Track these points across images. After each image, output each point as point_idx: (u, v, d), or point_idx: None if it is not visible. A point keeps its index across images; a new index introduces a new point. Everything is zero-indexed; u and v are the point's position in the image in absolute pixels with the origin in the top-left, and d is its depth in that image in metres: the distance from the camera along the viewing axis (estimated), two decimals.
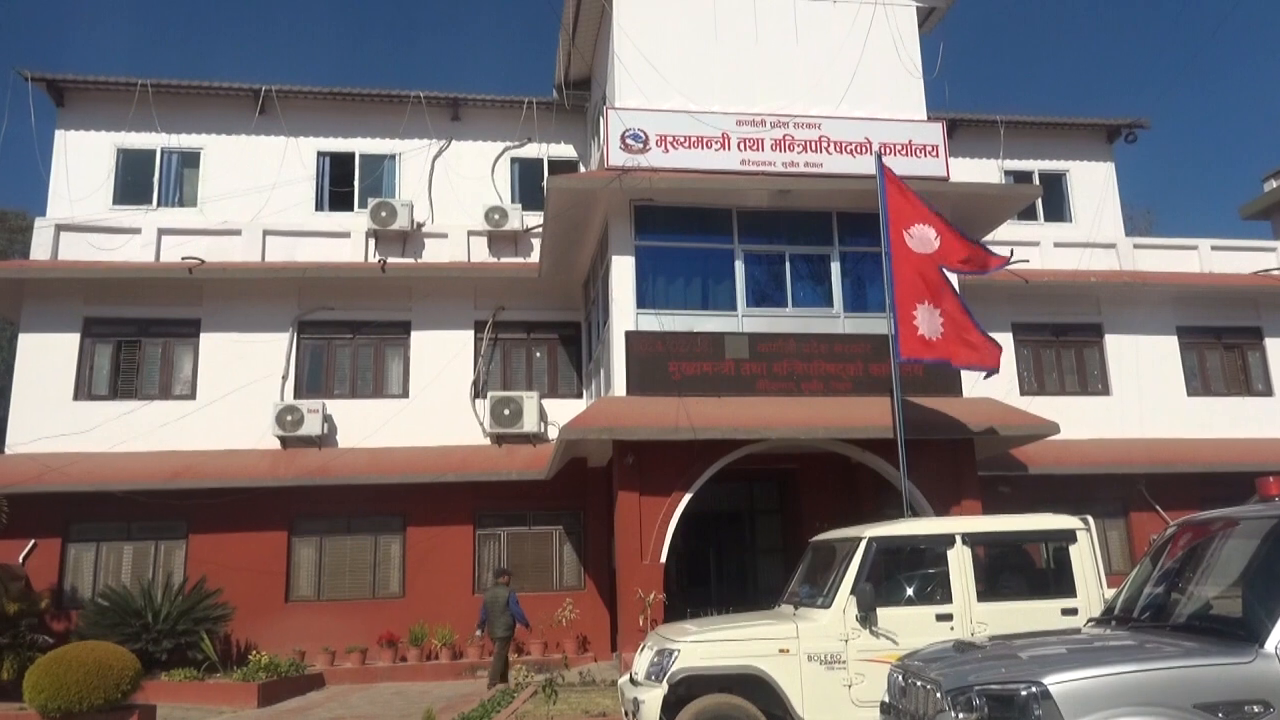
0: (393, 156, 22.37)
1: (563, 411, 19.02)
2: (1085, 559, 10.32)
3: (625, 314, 16.52)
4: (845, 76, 18.32)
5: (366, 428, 19.87)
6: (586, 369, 20.55)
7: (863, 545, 9.94)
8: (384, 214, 20.95)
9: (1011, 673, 6.01)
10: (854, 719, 9.43)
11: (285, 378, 20.12)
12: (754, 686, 9.53)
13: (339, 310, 20.60)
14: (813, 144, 17.62)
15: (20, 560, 18.37)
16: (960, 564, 10.09)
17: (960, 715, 5.99)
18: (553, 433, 19.55)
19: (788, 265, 17.40)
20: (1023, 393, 21.16)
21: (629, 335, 16.37)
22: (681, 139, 17.18)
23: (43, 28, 69.40)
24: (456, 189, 22.20)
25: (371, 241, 21.28)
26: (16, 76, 20.78)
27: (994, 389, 18.92)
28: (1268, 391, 22.64)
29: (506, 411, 19.77)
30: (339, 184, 22.21)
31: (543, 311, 21.18)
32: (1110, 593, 8.85)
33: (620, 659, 14.75)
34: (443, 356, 20.58)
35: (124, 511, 18.59)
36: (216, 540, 18.85)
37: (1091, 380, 22.07)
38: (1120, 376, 21.91)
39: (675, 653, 9.61)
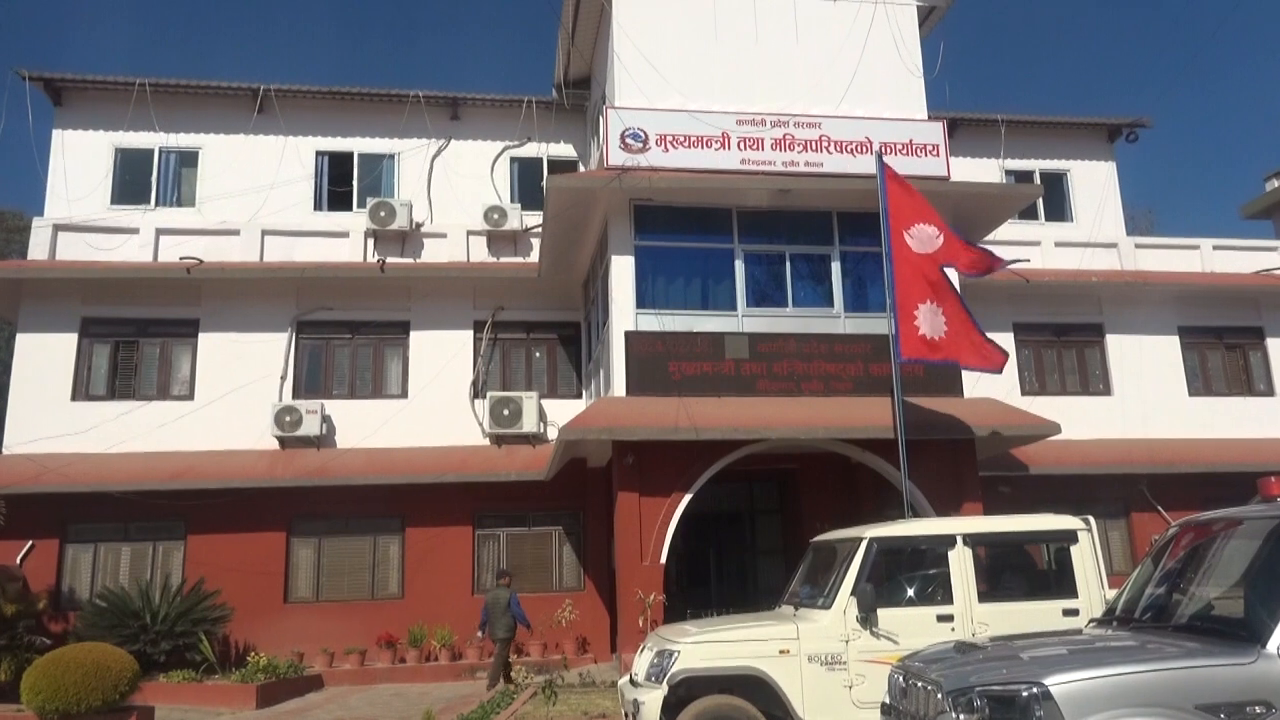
0: (392, 156, 22.32)
1: (562, 412, 18.97)
2: (1086, 559, 10.29)
3: (625, 314, 16.47)
4: (845, 76, 18.28)
5: (365, 428, 19.82)
6: (586, 369, 20.51)
7: (863, 546, 9.91)
8: (383, 214, 20.90)
9: (1013, 674, 5.99)
10: None
11: (284, 378, 20.07)
12: (754, 688, 9.50)
13: (338, 310, 20.54)
14: (813, 143, 17.57)
15: (18, 561, 18.33)
16: (961, 565, 10.06)
17: (961, 716, 5.97)
18: (552, 433, 19.49)
19: (788, 265, 17.35)
20: (1024, 393, 21.12)
21: (629, 335, 16.33)
22: (681, 138, 17.13)
23: (41, 27, 69.44)
24: (456, 188, 22.15)
25: (370, 241, 21.23)
26: (14, 76, 20.77)
27: (995, 389, 18.91)
28: (1269, 391, 22.58)
29: (506, 412, 19.72)
30: (338, 183, 22.16)
31: (542, 311, 21.13)
32: (1111, 593, 8.84)
33: (620, 660, 14.71)
34: (442, 357, 20.53)
35: (122, 512, 18.55)
36: (215, 541, 18.80)
37: (1093, 380, 22.02)
38: (1121, 376, 21.86)
39: (675, 654, 9.58)
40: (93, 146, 21.32)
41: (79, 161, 21.13)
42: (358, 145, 22.28)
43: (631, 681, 10.22)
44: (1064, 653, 6.46)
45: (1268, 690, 5.56)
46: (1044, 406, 19.17)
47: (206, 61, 72.16)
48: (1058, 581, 10.45)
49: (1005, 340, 20.84)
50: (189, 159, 21.76)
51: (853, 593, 9.65)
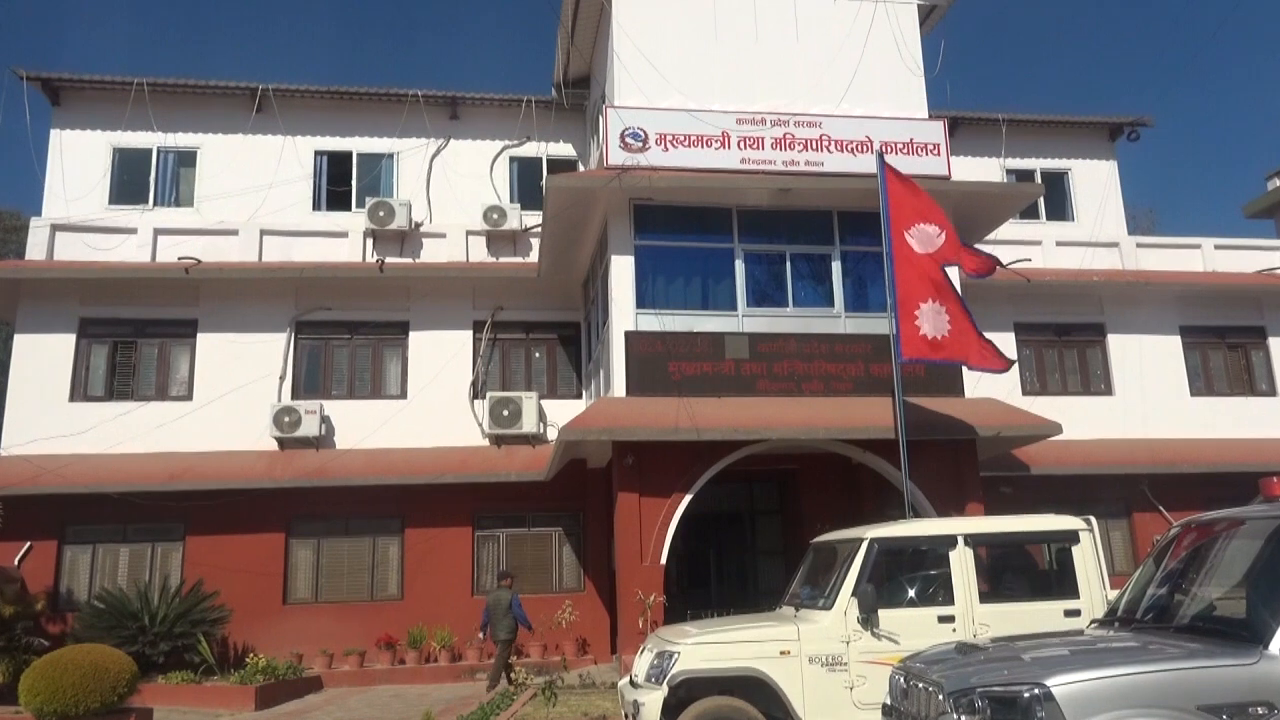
0: (390, 156, 22.28)
1: (562, 412, 18.92)
2: (1088, 560, 10.28)
3: (625, 314, 16.43)
4: (846, 75, 18.25)
5: (364, 429, 19.77)
6: (586, 369, 20.46)
7: (864, 546, 9.89)
8: (382, 213, 20.85)
9: (1014, 674, 5.99)
10: None
11: (282, 378, 20.02)
12: (755, 689, 9.48)
13: (337, 310, 20.49)
14: (813, 143, 17.53)
15: (16, 562, 18.29)
16: (962, 565, 10.03)
17: (962, 717, 5.96)
18: (552, 433, 19.44)
19: (788, 265, 17.31)
20: (1025, 393, 21.07)
21: (628, 335, 16.28)
22: (681, 138, 17.10)
23: (39, 27, 69.44)
24: (455, 188, 22.11)
25: (369, 241, 21.19)
26: (12, 75, 20.75)
27: (996, 389, 18.88)
28: (1271, 391, 22.53)
29: (505, 412, 19.67)
30: (336, 183, 22.12)
31: (542, 311, 21.08)
32: (1113, 594, 8.81)
33: (620, 661, 14.67)
34: (441, 357, 20.48)
35: (120, 513, 18.48)
36: (213, 542, 18.76)
37: (1094, 380, 21.97)
38: (1123, 376, 21.81)
39: (675, 655, 9.56)
40: (91, 146, 21.27)
41: (77, 161, 21.10)
42: (357, 145, 22.23)
43: (631, 683, 10.20)
44: (1066, 653, 6.45)
45: (1270, 691, 5.55)
46: (1045, 406, 19.15)
47: (205, 61, 72.26)
48: (1059, 582, 10.42)
49: (1006, 340, 20.89)
50: (187, 159, 21.72)
51: (853, 593, 9.62)
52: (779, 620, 10.24)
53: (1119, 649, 6.43)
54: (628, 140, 16.86)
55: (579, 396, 20.62)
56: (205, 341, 20.06)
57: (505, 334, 21.00)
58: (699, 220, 17.19)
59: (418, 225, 21.44)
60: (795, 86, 18.04)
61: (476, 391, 20.46)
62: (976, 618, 9.82)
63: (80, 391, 19.61)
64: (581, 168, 22.35)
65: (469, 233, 21.48)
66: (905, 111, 18.21)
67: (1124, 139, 24.53)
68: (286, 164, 21.69)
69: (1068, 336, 22.14)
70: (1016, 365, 21.08)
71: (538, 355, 21.12)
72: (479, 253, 21.43)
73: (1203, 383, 22.37)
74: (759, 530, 21.17)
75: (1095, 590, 10.10)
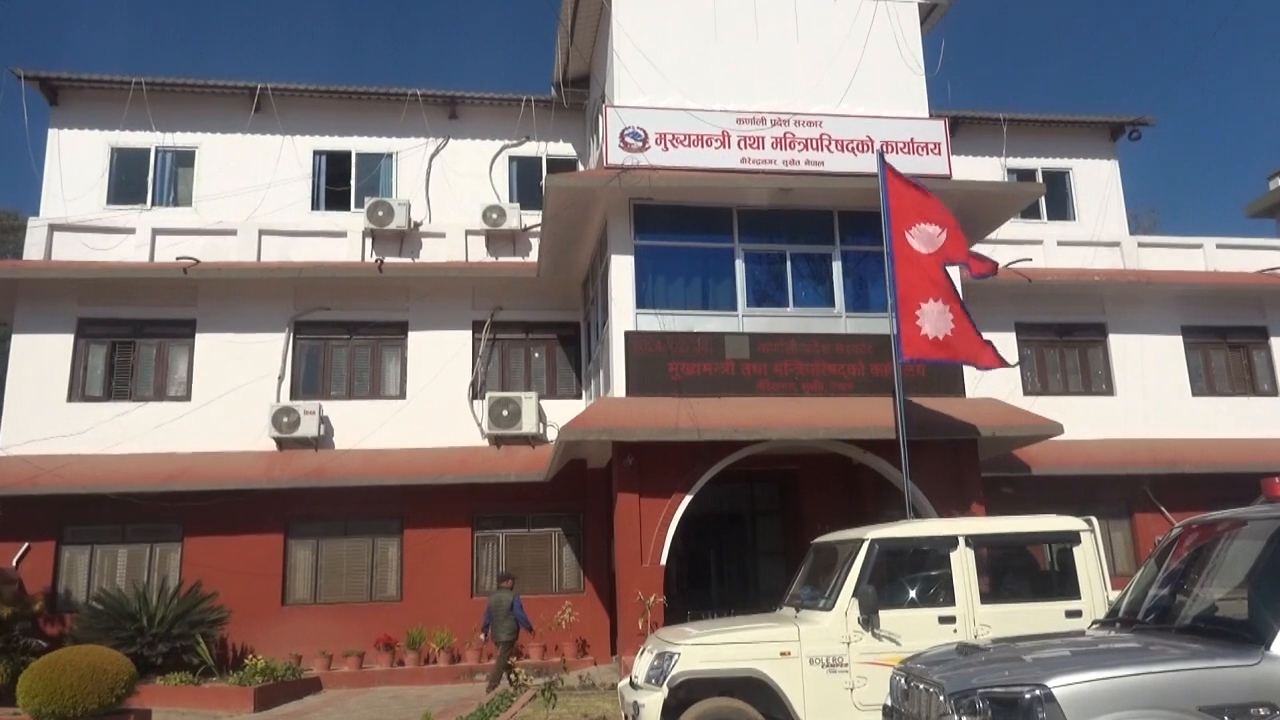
0: (390, 155, 22.24)
1: (562, 412, 18.86)
2: (1089, 560, 10.28)
3: (625, 314, 16.39)
4: (846, 74, 18.21)
5: (363, 429, 19.73)
6: (586, 369, 20.42)
7: (865, 547, 9.88)
8: (381, 213, 20.81)
9: (1015, 675, 5.98)
10: None
11: (281, 379, 19.98)
12: (755, 690, 9.47)
13: (336, 310, 20.44)
14: (814, 142, 17.49)
15: (14, 563, 18.25)
16: (963, 566, 10.02)
17: (963, 718, 5.94)
18: (552, 434, 19.39)
19: (789, 265, 17.27)
20: (1026, 393, 21.03)
21: (628, 335, 16.24)
22: (681, 137, 17.05)
23: (37, 26, 69.44)
24: (454, 188, 22.07)
25: (368, 241, 21.15)
26: (10, 75, 20.73)
27: (997, 389, 18.85)
28: (1273, 391, 22.49)
29: (505, 412, 19.62)
30: (335, 183, 22.08)
31: (541, 311, 21.03)
32: (1115, 594, 8.82)
33: (620, 662, 14.64)
34: (440, 357, 20.43)
35: (118, 514, 18.43)
36: (212, 543, 18.71)
37: (1095, 380, 21.92)
38: (1124, 376, 21.77)
39: (676, 656, 9.55)
40: (89, 146, 21.24)
41: (75, 161, 21.06)
42: (355, 144, 22.19)
43: (631, 684, 10.18)
44: (1067, 654, 6.44)
45: (1272, 692, 5.54)
46: (1046, 407, 19.12)
47: (204, 61, 72.32)
48: (1060, 583, 10.41)
49: (1007, 340, 20.87)
50: (185, 158, 21.68)
51: (854, 594, 9.60)
52: (779, 621, 10.22)
53: (1120, 650, 6.42)
54: (627, 140, 16.82)
55: (579, 397, 20.57)
56: (204, 342, 20.01)
57: (505, 334, 20.96)
58: (699, 220, 17.15)
59: (417, 225, 21.41)
60: (795, 86, 18.00)
61: (476, 392, 20.41)
62: (978, 618, 9.80)
63: (78, 392, 19.57)
64: (581, 167, 22.32)
65: (468, 232, 21.44)
66: (906, 111, 18.17)
67: (1125, 138, 24.52)
68: (285, 164, 21.65)
69: (1069, 336, 22.09)
70: (1018, 365, 21.07)
71: (537, 355, 21.08)
72: (478, 252, 21.39)
73: (1204, 383, 22.33)
74: (759, 531, 21.12)
75: (1097, 591, 10.09)
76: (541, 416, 19.95)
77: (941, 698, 6.20)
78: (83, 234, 20.28)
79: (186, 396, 19.76)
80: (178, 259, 19.87)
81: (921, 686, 6.63)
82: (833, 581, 10.05)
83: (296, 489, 18.62)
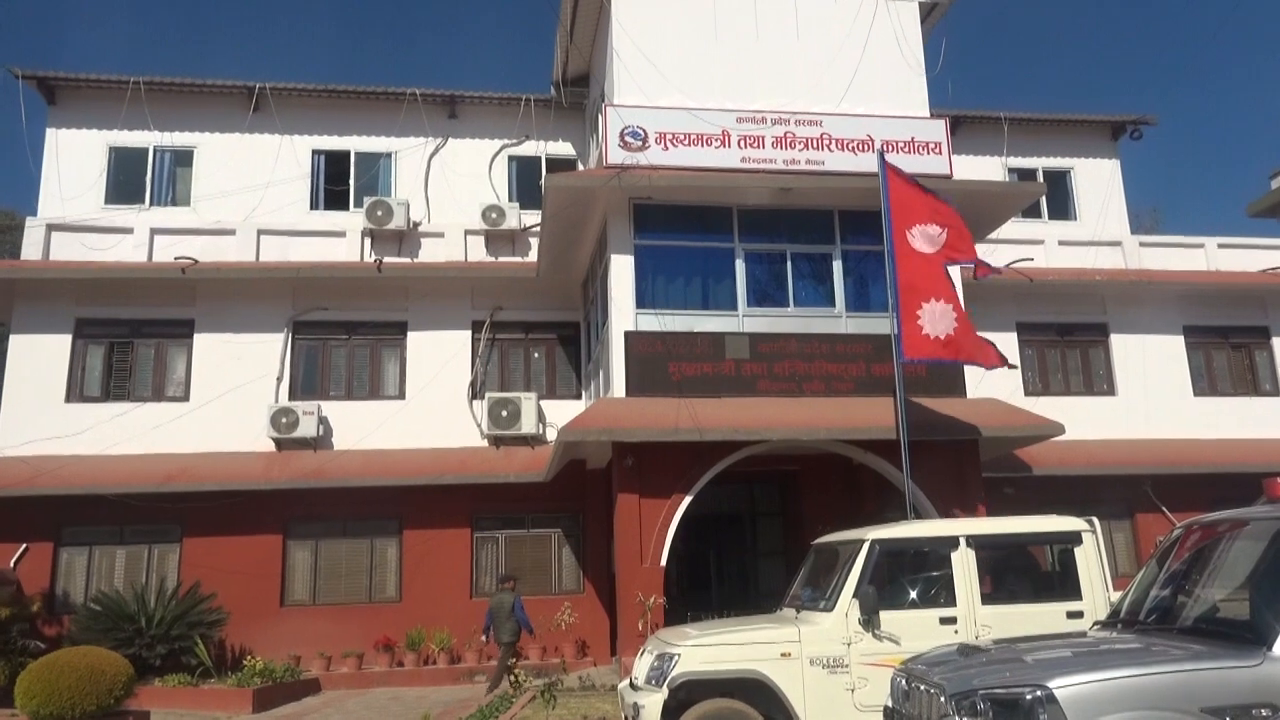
0: (389, 155, 22.20)
1: (561, 413, 18.82)
2: (1091, 561, 10.27)
3: (624, 314, 16.34)
4: (847, 73, 18.16)
5: (362, 429, 19.68)
6: (585, 370, 20.37)
7: (865, 548, 9.85)
8: (380, 213, 20.77)
9: (1016, 676, 5.98)
10: None
11: (280, 379, 19.93)
12: (756, 691, 9.44)
13: (334, 310, 20.39)
14: (814, 141, 17.44)
15: (11, 564, 18.21)
16: (964, 566, 10.00)
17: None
18: (551, 434, 19.34)
19: (789, 264, 17.22)
20: (1027, 393, 20.99)
21: (628, 335, 16.19)
22: (681, 136, 17.00)
23: (35, 25, 69.41)
24: (453, 187, 22.03)
25: (367, 241, 21.11)
26: (7, 74, 20.72)
27: (998, 389, 18.80)
28: (1275, 391, 22.44)
29: (504, 413, 19.58)
30: (334, 182, 22.05)
31: (541, 311, 20.98)
32: (1116, 595, 8.83)
33: (620, 663, 14.60)
34: (440, 357, 20.38)
35: (117, 515, 18.41)
36: (210, 544, 18.67)
37: (1097, 380, 21.88)
38: (1126, 376, 21.73)
39: (676, 657, 9.52)
40: (87, 145, 21.20)
41: (73, 161, 21.03)
42: (354, 144, 22.16)
43: (631, 685, 10.16)
44: (1068, 655, 6.44)
45: (1273, 693, 5.54)
46: (1048, 407, 19.08)
47: (202, 60, 72.20)
48: (1062, 583, 10.38)
49: (1009, 340, 20.82)
50: (184, 158, 21.65)
51: (855, 595, 9.57)
52: (780, 622, 10.19)
53: (1122, 650, 6.41)
54: (627, 139, 16.78)
55: (578, 397, 20.53)
56: (202, 342, 19.97)
57: (504, 334, 20.91)
58: (699, 219, 17.10)
59: (416, 225, 21.36)
60: (796, 85, 17.95)
61: (475, 392, 20.37)
62: (978, 619, 9.78)
63: (76, 392, 19.53)
64: (581, 167, 22.28)
65: (467, 232, 21.40)
66: (907, 110, 18.11)
67: (1127, 138, 24.49)
68: (284, 163, 21.61)
69: (1070, 336, 22.05)
70: (1019, 365, 21.03)
71: (537, 355, 21.03)
72: (478, 252, 21.35)
73: (1206, 383, 22.29)
74: (760, 531, 21.10)
75: (1098, 592, 10.08)
76: (541, 417, 19.90)
77: (942, 699, 6.19)
78: (81, 234, 20.24)
79: (185, 397, 19.71)
80: (176, 259, 19.83)
81: (922, 687, 6.61)
82: (833, 582, 10.02)
83: (295, 489, 18.57)
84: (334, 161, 22.15)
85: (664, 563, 15.06)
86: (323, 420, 19.61)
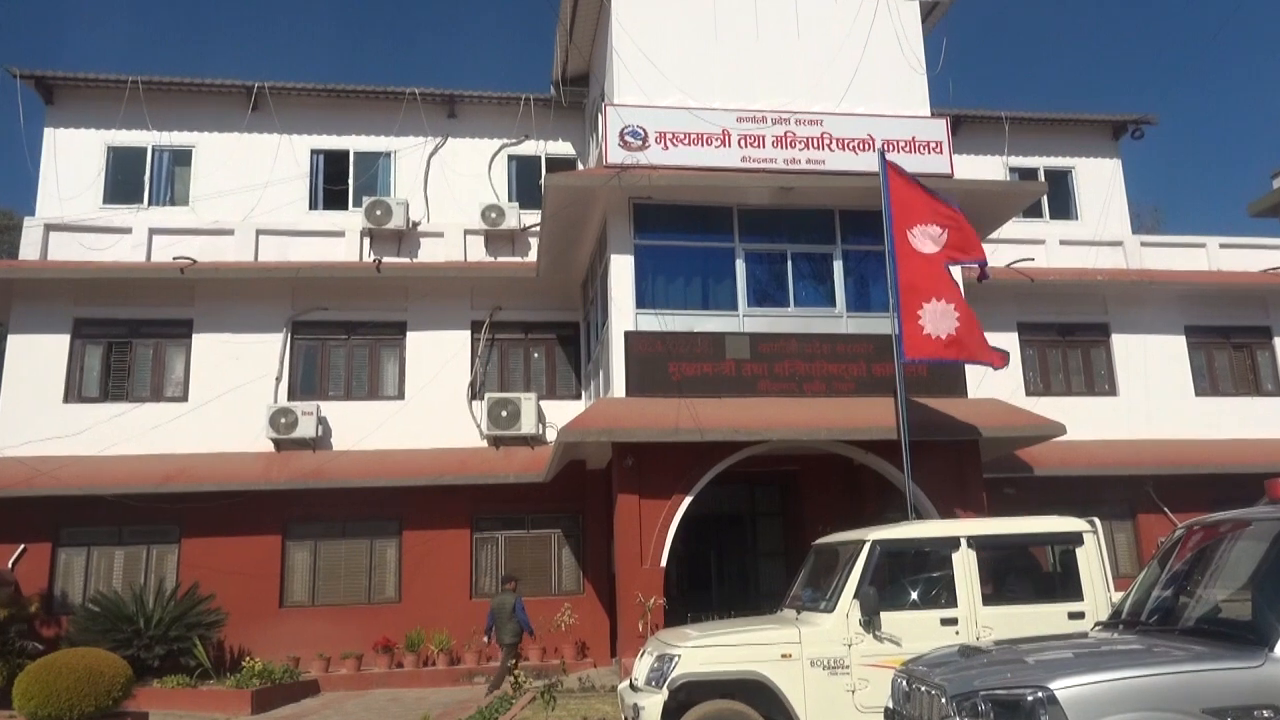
0: (388, 154, 22.16)
1: (561, 413, 18.78)
2: (1092, 562, 10.27)
3: (624, 314, 16.29)
4: (847, 72, 18.12)
5: (362, 430, 19.64)
6: (585, 370, 20.33)
7: (866, 548, 9.84)
8: (379, 212, 20.73)
9: (1018, 678, 5.98)
10: None
11: (279, 379, 19.88)
12: (756, 692, 9.43)
13: (333, 310, 20.35)
14: (815, 141, 17.40)
15: (10, 565, 18.18)
16: (965, 567, 9.99)
17: None
18: (551, 435, 19.29)
19: (789, 264, 17.18)
20: (1028, 393, 20.94)
21: (628, 335, 16.14)
22: (681, 136, 16.96)
23: (33, 25, 69.39)
24: (453, 187, 21.99)
25: (366, 241, 21.06)
26: (5, 74, 20.68)
27: (999, 389, 18.75)
28: (1277, 391, 22.39)
29: (504, 413, 19.53)
30: (333, 182, 22.01)
31: (541, 311, 20.94)
32: (1117, 596, 8.84)
33: (620, 664, 14.58)
34: (439, 357, 20.34)
35: (115, 515, 18.37)
36: (209, 544, 18.63)
37: (1098, 380, 21.83)
38: (1127, 377, 21.68)
39: (676, 658, 9.51)
40: (85, 145, 21.16)
41: (71, 160, 20.99)
42: (353, 143, 22.11)
43: (631, 686, 10.14)
44: (1069, 656, 6.44)
45: (1275, 694, 5.55)
46: (1049, 407, 19.03)
47: (201, 60, 72.24)
48: (1063, 584, 10.38)
49: (1009, 340, 20.78)
50: (182, 158, 21.61)
51: (855, 596, 9.57)
52: (780, 623, 10.17)
53: (1123, 651, 6.43)
54: (627, 138, 16.73)
55: (578, 397, 20.49)
56: (201, 342, 19.93)
57: (504, 334, 20.87)
58: (699, 219, 17.07)
59: (415, 224, 21.32)
60: (796, 84, 17.91)
61: (475, 392, 20.32)
62: (980, 620, 9.77)
63: (75, 393, 19.48)
64: (580, 166, 22.24)
65: (467, 232, 21.35)
66: (907, 109, 18.07)
67: (1128, 137, 24.43)
68: (283, 163, 21.57)
69: (1071, 336, 22.00)
70: (1020, 366, 21.06)
71: (536, 356, 20.99)
72: (477, 252, 21.31)
73: (1208, 383, 22.25)
74: (760, 532, 21.05)
75: (1099, 592, 10.07)
76: (541, 417, 19.86)
77: (943, 700, 6.18)
78: (79, 234, 20.20)
79: (183, 397, 19.67)
80: (174, 259, 19.79)
81: (923, 689, 6.61)
82: (834, 583, 10.00)
83: (294, 490, 18.54)
84: (333, 161, 22.11)
85: (664, 563, 15.03)
86: (322, 420, 19.57)
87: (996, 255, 20.06)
